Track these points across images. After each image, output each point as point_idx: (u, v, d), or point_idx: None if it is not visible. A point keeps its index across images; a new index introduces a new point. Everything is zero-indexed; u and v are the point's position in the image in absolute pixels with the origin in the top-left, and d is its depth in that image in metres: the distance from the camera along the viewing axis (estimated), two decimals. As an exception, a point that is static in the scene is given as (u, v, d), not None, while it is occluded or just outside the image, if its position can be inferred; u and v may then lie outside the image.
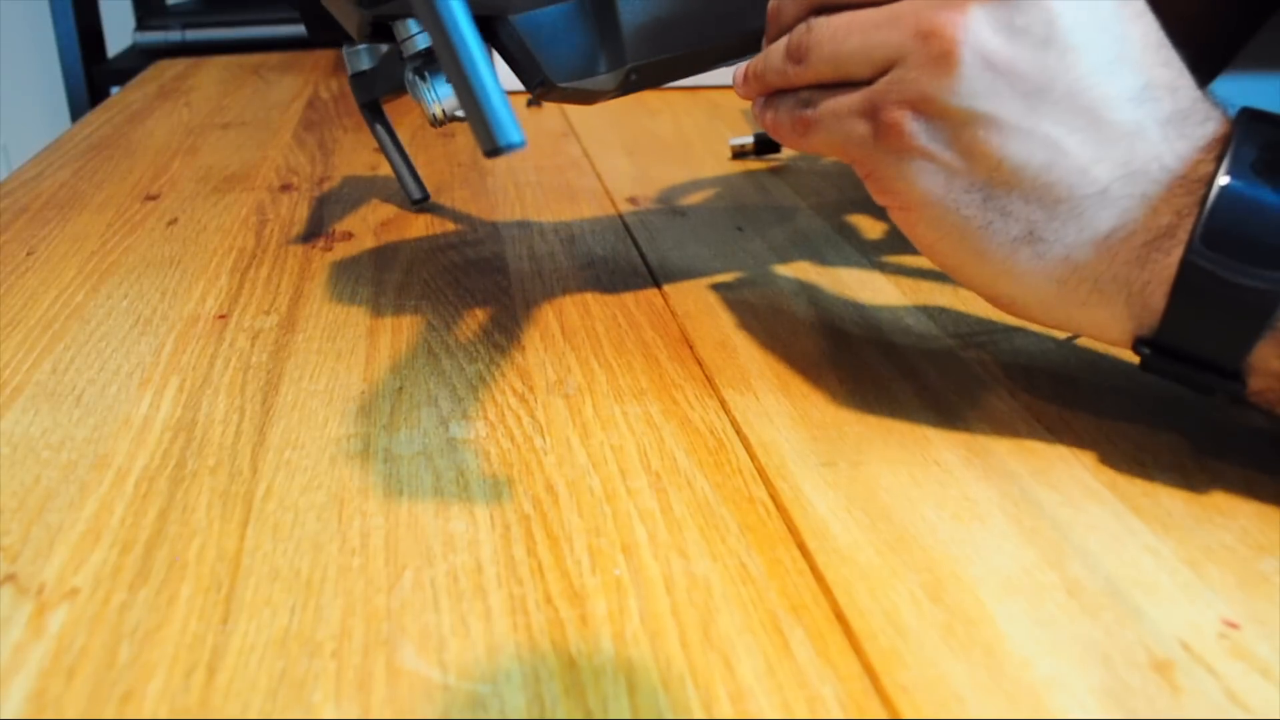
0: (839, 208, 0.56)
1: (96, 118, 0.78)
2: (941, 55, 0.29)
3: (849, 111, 0.32)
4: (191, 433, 0.35)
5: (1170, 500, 0.31)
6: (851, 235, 0.52)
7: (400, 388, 0.37)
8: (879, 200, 0.33)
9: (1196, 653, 0.25)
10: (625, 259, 0.49)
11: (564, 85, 0.40)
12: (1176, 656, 0.25)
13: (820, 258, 0.49)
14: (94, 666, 0.25)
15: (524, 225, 0.54)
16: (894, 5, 0.30)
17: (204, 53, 1.06)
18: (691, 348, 0.40)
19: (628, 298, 0.45)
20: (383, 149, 0.56)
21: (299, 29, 1.15)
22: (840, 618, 0.26)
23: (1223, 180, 0.28)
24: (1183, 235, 0.28)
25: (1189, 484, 0.31)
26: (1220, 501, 0.30)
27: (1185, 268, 0.28)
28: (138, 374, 0.39)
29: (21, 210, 0.57)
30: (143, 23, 1.18)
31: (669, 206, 0.57)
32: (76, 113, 1.25)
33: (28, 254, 0.50)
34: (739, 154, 0.65)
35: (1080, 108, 0.29)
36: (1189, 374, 0.30)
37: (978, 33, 0.29)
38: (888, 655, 0.25)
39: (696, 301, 0.44)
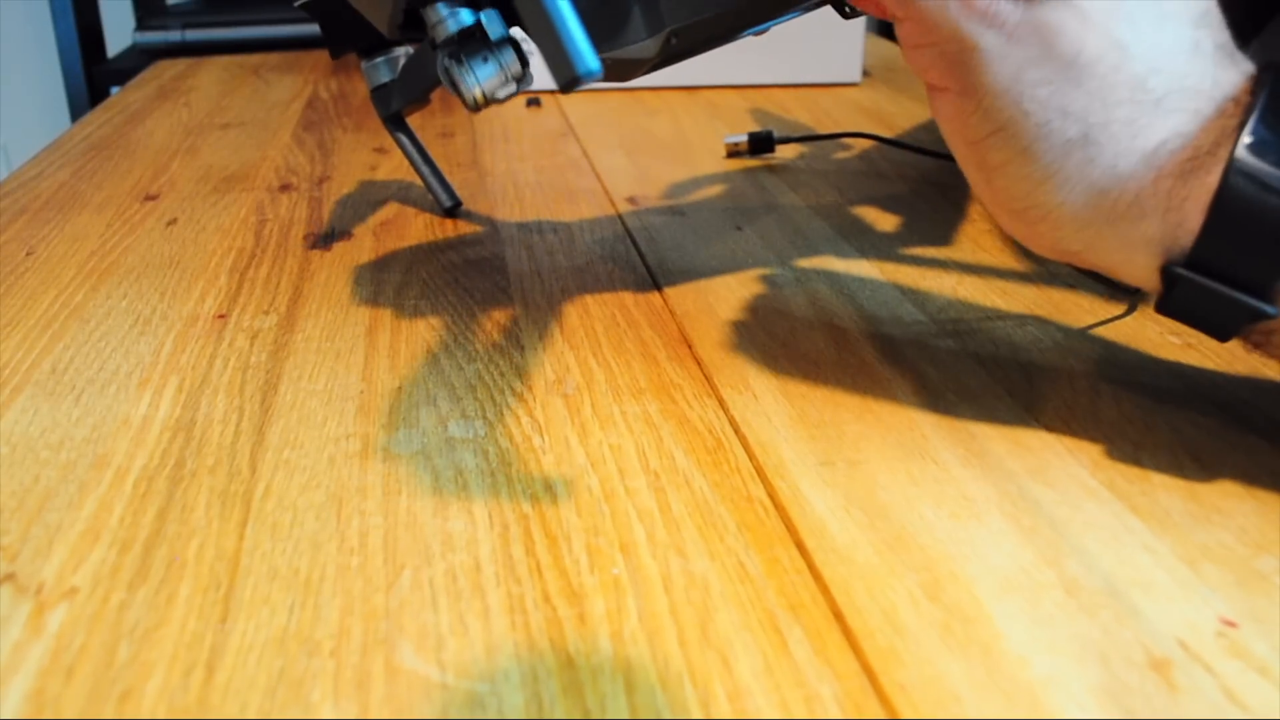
0: (838, 207, 0.56)
1: (96, 118, 0.78)
2: None
3: None
4: (190, 432, 0.35)
5: (1168, 499, 0.31)
6: (851, 235, 0.52)
7: (399, 387, 0.37)
8: (933, 79, 0.31)
9: (1194, 651, 0.25)
10: (624, 259, 0.49)
11: (604, 56, 0.39)
12: (1174, 655, 0.25)
13: (819, 256, 0.49)
14: (93, 665, 0.25)
15: (523, 225, 0.54)
16: None
17: (204, 53, 1.06)
18: (690, 347, 0.40)
19: (626, 297, 0.45)
20: (410, 160, 0.56)
21: (299, 29, 1.15)
22: (838, 616, 0.26)
23: (1265, 103, 0.28)
24: (1224, 154, 0.28)
25: (1187, 483, 0.31)
26: (1218, 500, 0.31)
27: (1229, 174, 0.28)
28: (137, 374, 0.39)
29: (21, 210, 0.57)
30: (143, 23, 1.18)
31: (668, 206, 0.57)
32: (76, 113, 1.25)
33: (27, 254, 0.50)
34: (733, 153, 0.66)
35: (1152, 16, 0.29)
36: (1215, 302, 0.29)
37: None
38: (885, 654, 0.25)
39: (695, 301, 0.44)
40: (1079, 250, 0.31)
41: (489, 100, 0.39)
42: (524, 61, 0.37)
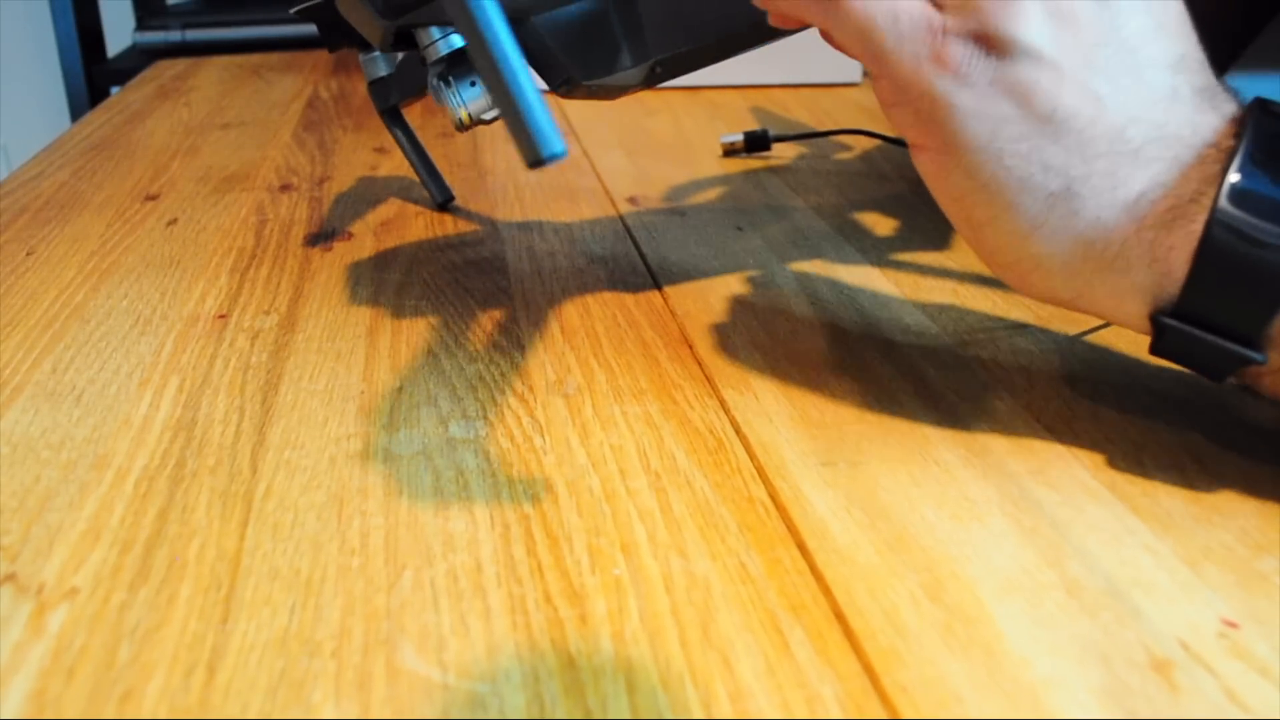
0: (838, 207, 0.56)
1: (96, 118, 0.78)
2: None
3: (909, 20, 0.30)
4: (191, 432, 0.35)
5: (1169, 500, 0.31)
6: (851, 235, 0.52)
7: (400, 387, 0.37)
8: (912, 136, 0.31)
9: (1196, 652, 0.25)
10: (625, 259, 0.49)
11: (589, 83, 0.40)
12: (1176, 656, 0.25)
13: (820, 257, 0.49)
14: (94, 666, 0.25)
15: (523, 225, 0.54)
16: None
17: (204, 53, 1.06)
18: (691, 347, 0.40)
19: (627, 297, 0.45)
20: (405, 154, 0.56)
21: (299, 29, 1.15)
22: (839, 617, 0.26)
23: (1247, 148, 0.28)
24: (1207, 202, 0.28)
25: (1188, 484, 0.31)
26: (1219, 501, 0.31)
27: (1211, 226, 0.28)
28: (138, 374, 0.39)
29: (21, 210, 0.57)
30: (143, 23, 1.18)
31: (668, 206, 0.57)
32: (76, 113, 1.25)
33: (28, 254, 0.50)
34: (729, 151, 0.66)
35: (1128, 66, 0.29)
36: (1206, 349, 0.29)
37: None
38: (887, 654, 0.25)
39: (696, 301, 0.44)
40: (1071, 298, 0.31)
41: (475, 121, 0.40)
42: None
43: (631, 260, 0.49)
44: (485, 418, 0.35)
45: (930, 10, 0.30)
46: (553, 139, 0.26)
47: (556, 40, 0.39)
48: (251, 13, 1.19)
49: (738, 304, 0.44)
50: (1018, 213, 0.30)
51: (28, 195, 0.60)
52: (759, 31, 0.41)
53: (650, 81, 0.41)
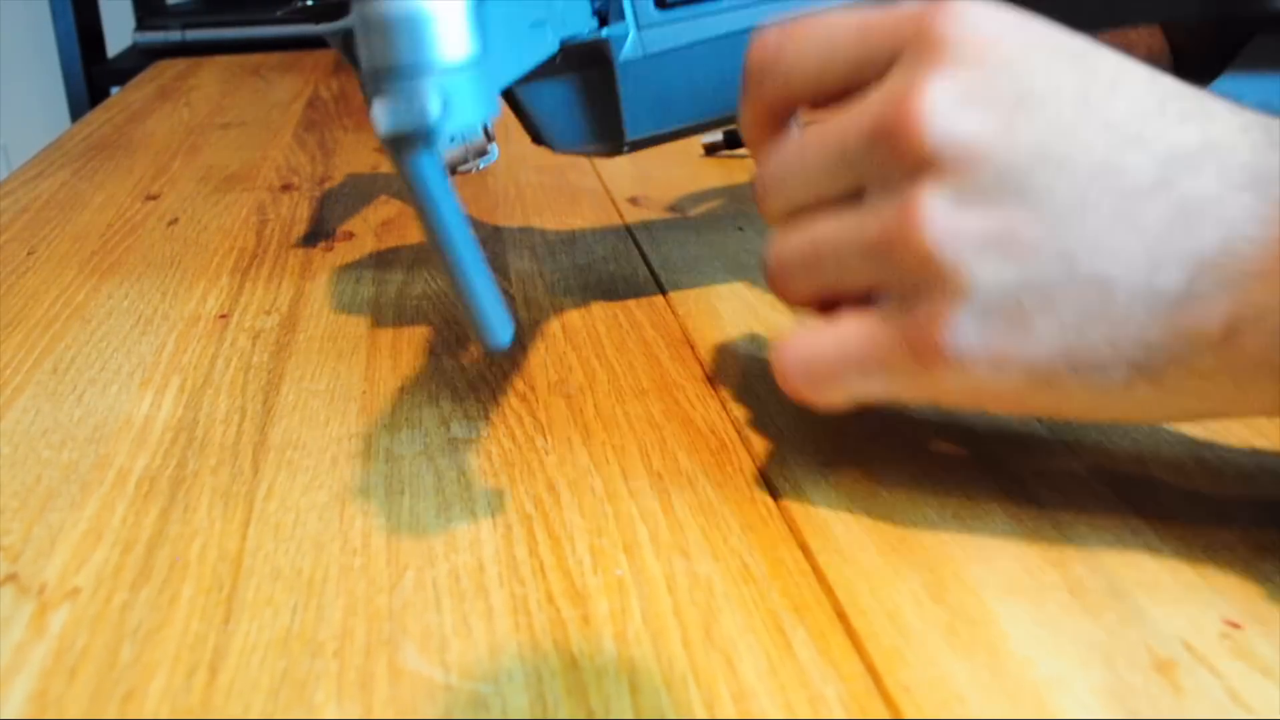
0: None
1: (96, 118, 0.78)
2: (939, 289, 0.25)
3: (863, 352, 0.27)
4: (193, 433, 0.35)
5: (1172, 500, 0.30)
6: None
7: (401, 387, 0.37)
8: (973, 407, 0.28)
9: (1199, 653, 0.25)
10: (626, 259, 0.49)
11: (565, 149, 0.41)
12: (1179, 657, 0.25)
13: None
14: (96, 666, 0.25)
15: (525, 225, 0.54)
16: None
17: (204, 53, 1.06)
18: (693, 348, 0.40)
19: (629, 297, 0.45)
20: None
21: (299, 29, 1.15)
22: (842, 617, 0.26)
23: None
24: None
25: (1190, 483, 0.31)
26: (1222, 502, 0.30)
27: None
28: (139, 374, 0.39)
29: (22, 210, 0.57)
30: (143, 23, 1.18)
31: (670, 206, 0.57)
32: (76, 113, 1.25)
33: (28, 254, 0.50)
34: (710, 150, 0.66)
35: (1104, 229, 0.25)
36: None
37: (965, 255, 0.25)
38: (890, 655, 0.25)
39: (698, 301, 0.44)
40: (1219, 416, 0.29)
41: (452, 172, 0.40)
42: (490, 136, 0.37)
43: (633, 260, 0.49)
44: (487, 418, 0.35)
45: (870, 327, 0.27)
46: (500, 330, 0.27)
47: (535, 109, 0.40)
48: (251, 13, 1.19)
49: (740, 304, 0.44)
50: (1104, 407, 0.26)
51: (28, 195, 0.60)
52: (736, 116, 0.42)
53: (626, 152, 0.42)
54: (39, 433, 0.35)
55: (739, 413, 0.35)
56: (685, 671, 0.24)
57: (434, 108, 0.24)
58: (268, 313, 0.44)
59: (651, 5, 0.39)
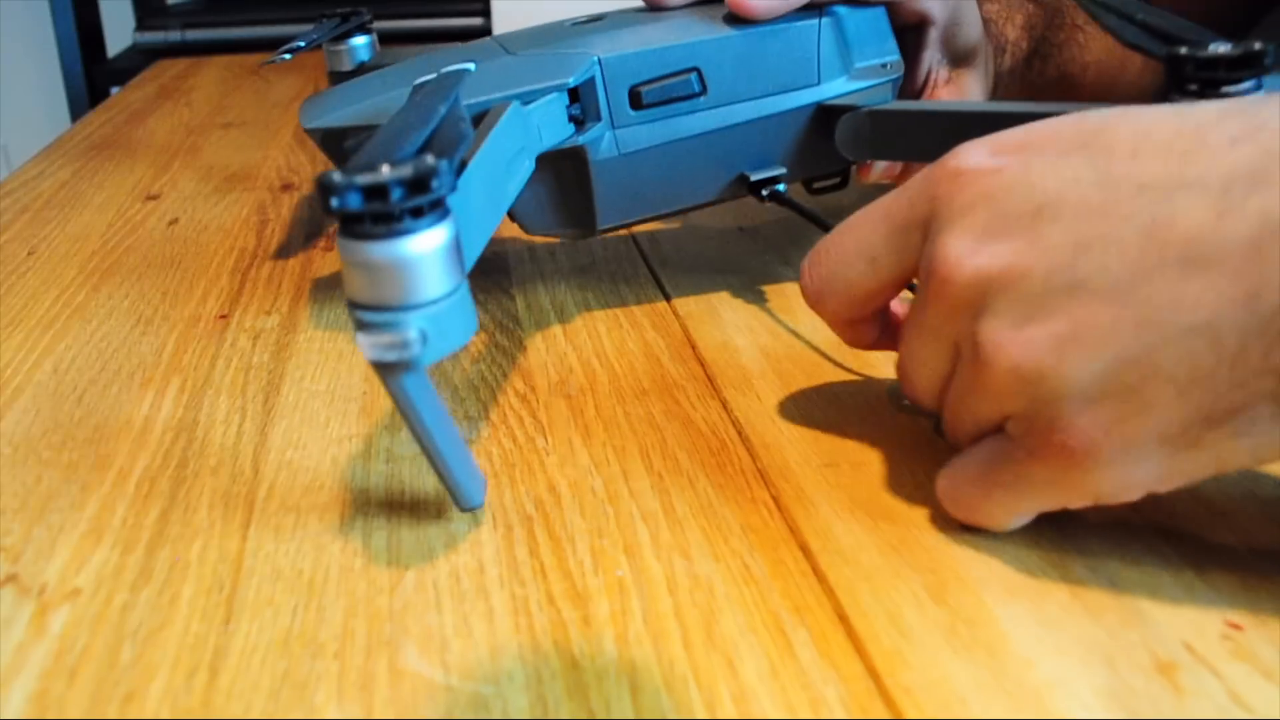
0: (839, 207, 0.56)
1: (97, 117, 0.78)
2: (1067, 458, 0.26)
3: (1010, 460, 0.27)
4: (193, 433, 0.35)
5: (1173, 501, 0.30)
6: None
7: (402, 388, 0.37)
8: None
9: (1200, 654, 0.25)
10: (627, 259, 0.49)
11: (540, 232, 0.43)
12: (1180, 658, 0.25)
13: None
14: (96, 667, 0.25)
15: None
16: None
17: (204, 53, 1.06)
18: (693, 348, 0.40)
19: (629, 298, 0.45)
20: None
21: (299, 29, 1.15)
22: (843, 618, 0.26)
23: None
24: None
25: (1191, 485, 0.31)
26: (1223, 502, 0.30)
27: None
28: (139, 374, 0.39)
29: (22, 210, 0.57)
30: (143, 23, 1.18)
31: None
32: (76, 113, 1.25)
33: (29, 254, 0.50)
34: None
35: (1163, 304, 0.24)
36: None
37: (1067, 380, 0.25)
38: (890, 656, 0.25)
39: (698, 302, 0.44)
40: None
41: None
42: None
43: (634, 260, 0.49)
44: (488, 418, 0.35)
45: (1003, 447, 0.28)
46: (472, 496, 0.29)
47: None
48: (251, 13, 1.19)
49: (740, 304, 0.44)
50: (1266, 435, 0.25)
51: (28, 195, 0.60)
52: (720, 198, 0.44)
53: (597, 234, 0.43)
54: (39, 433, 0.35)
55: (740, 413, 0.35)
56: (686, 672, 0.24)
57: (414, 344, 0.25)
58: (268, 313, 0.44)
59: (627, 106, 0.40)
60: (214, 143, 0.71)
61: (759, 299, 0.44)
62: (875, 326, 0.33)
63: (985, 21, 0.53)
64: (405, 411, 0.27)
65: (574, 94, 0.40)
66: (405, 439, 0.34)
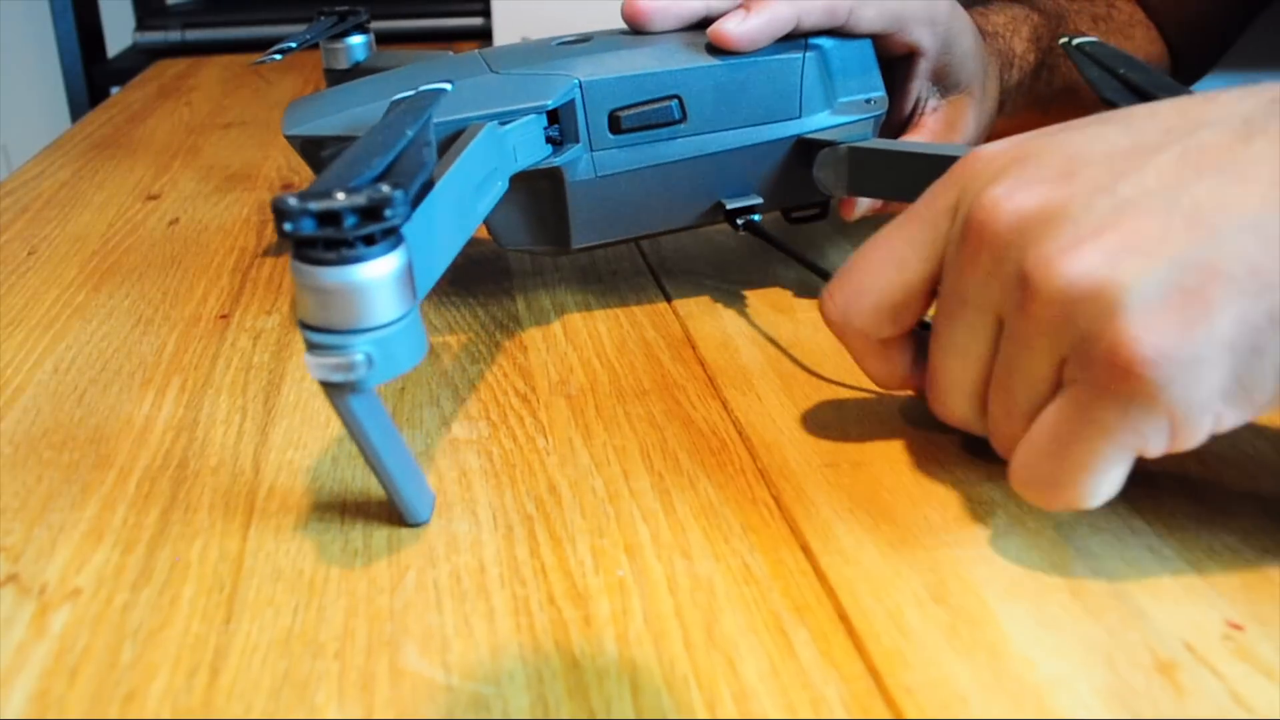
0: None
1: (97, 117, 0.78)
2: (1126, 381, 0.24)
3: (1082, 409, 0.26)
4: (193, 433, 0.35)
5: (1173, 501, 0.30)
6: (852, 234, 0.52)
7: (402, 388, 0.37)
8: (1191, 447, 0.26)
9: (1200, 654, 0.25)
10: (627, 259, 0.49)
11: (514, 249, 0.43)
12: (1180, 658, 0.25)
13: (822, 257, 0.49)
14: (96, 667, 0.25)
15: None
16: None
17: (204, 53, 1.06)
18: (694, 348, 0.40)
19: (630, 297, 0.45)
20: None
21: (299, 29, 1.15)
22: (843, 618, 0.26)
23: None
24: None
25: (1191, 485, 0.31)
26: (1223, 502, 0.30)
27: None
28: (139, 374, 0.39)
29: (23, 210, 0.57)
30: (143, 23, 1.18)
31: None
32: (76, 113, 1.25)
33: (29, 253, 0.50)
34: None
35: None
36: None
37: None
38: (891, 656, 0.25)
39: (698, 301, 0.44)
40: None
41: None
42: None
43: (634, 260, 0.49)
44: (488, 418, 0.35)
45: (1067, 399, 0.26)
46: (419, 511, 0.30)
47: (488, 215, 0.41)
48: (251, 13, 1.19)
49: (740, 304, 0.44)
50: None
51: (29, 195, 0.60)
52: (697, 224, 0.44)
53: (571, 252, 0.43)
54: (40, 433, 0.35)
55: (740, 413, 0.35)
56: (687, 672, 0.24)
57: (360, 366, 0.26)
58: (268, 313, 0.44)
59: (606, 130, 0.41)
60: (214, 143, 0.71)
61: (759, 299, 0.44)
62: (907, 353, 0.32)
63: (993, 35, 0.52)
64: (351, 430, 0.27)
65: (553, 115, 0.40)
66: (406, 439, 0.34)
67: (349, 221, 0.25)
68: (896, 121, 0.47)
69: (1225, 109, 0.27)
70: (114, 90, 1.17)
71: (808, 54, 0.42)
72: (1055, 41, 0.55)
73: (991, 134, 0.53)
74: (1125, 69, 0.41)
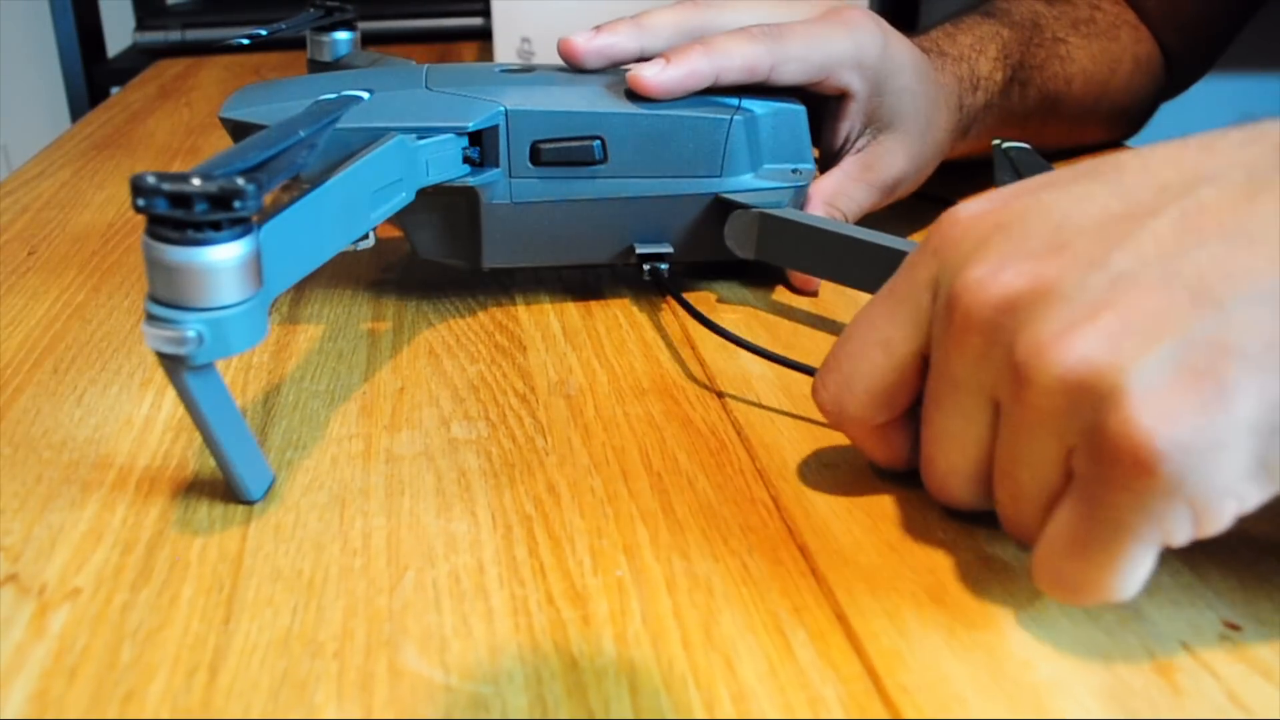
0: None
1: (97, 117, 0.78)
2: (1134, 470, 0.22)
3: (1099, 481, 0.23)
4: (193, 433, 0.35)
5: (1171, 501, 0.30)
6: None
7: (401, 388, 0.37)
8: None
9: (1198, 654, 0.25)
10: (626, 259, 0.49)
11: (434, 259, 0.44)
12: (1178, 658, 0.25)
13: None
14: (96, 667, 0.25)
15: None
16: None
17: (204, 53, 1.06)
18: (693, 348, 0.40)
19: (629, 298, 0.45)
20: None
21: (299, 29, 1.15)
22: (841, 618, 0.26)
23: None
24: None
25: None
26: (1221, 503, 0.30)
27: None
28: (139, 374, 0.39)
29: (23, 209, 0.57)
30: (143, 23, 1.18)
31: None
32: (76, 113, 1.25)
33: (29, 253, 0.50)
34: None
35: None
36: None
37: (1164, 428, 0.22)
38: (889, 656, 0.25)
39: (697, 301, 0.44)
40: None
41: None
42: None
43: (633, 261, 0.49)
44: (487, 418, 0.35)
45: (1078, 496, 0.24)
46: (252, 489, 0.31)
47: (401, 220, 0.41)
48: (251, 13, 1.19)
49: (739, 304, 0.44)
50: None
51: (29, 195, 0.60)
52: (609, 263, 0.44)
53: (484, 270, 0.44)
54: (39, 433, 0.35)
55: (739, 413, 0.35)
56: (685, 672, 0.25)
57: (190, 342, 0.27)
58: (268, 313, 0.44)
59: (527, 159, 0.41)
60: (214, 143, 0.71)
61: (759, 299, 0.44)
62: (908, 433, 0.30)
63: (956, 59, 0.51)
64: (186, 403, 0.28)
65: (475, 137, 0.41)
66: (405, 439, 0.34)
67: (199, 207, 0.26)
68: (828, 155, 0.47)
69: (1225, 159, 0.25)
70: (114, 90, 1.17)
71: (736, 117, 0.42)
72: (1027, 53, 0.55)
73: (965, 151, 0.53)
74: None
